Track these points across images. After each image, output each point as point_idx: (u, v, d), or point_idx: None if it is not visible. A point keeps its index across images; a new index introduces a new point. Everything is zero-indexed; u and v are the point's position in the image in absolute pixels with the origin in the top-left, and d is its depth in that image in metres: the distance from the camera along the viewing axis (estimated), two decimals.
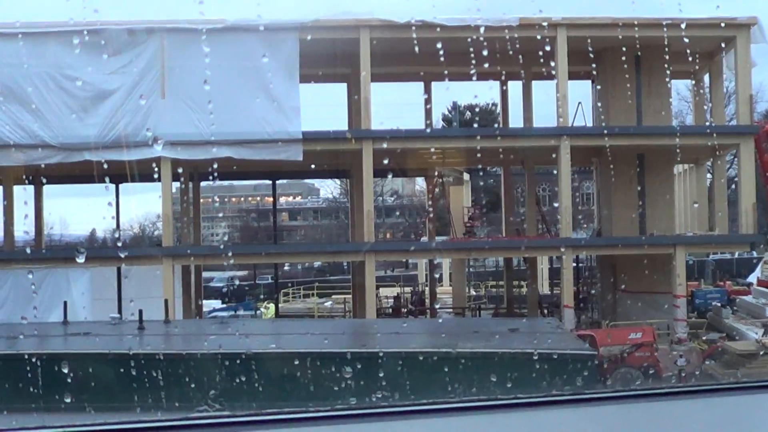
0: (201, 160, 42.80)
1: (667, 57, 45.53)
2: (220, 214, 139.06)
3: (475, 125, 78.10)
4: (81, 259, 40.45)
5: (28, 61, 40.09)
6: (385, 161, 44.45)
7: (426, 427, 3.15)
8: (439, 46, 40.34)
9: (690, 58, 44.26)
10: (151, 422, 2.93)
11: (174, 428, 2.93)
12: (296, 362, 21.06)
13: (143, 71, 42.14)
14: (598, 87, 50.91)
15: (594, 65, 48.55)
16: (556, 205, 49.51)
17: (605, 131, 46.31)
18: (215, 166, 46.34)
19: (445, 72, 48.11)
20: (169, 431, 2.93)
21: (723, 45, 46.53)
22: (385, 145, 42.68)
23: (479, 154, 48.66)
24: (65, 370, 18.86)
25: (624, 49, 43.01)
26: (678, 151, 47.38)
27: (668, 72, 47.98)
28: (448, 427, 3.16)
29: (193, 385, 19.79)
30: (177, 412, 19.08)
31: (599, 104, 50.66)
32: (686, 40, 40.37)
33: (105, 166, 38.05)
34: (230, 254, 54.26)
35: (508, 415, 3.24)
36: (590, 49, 44.81)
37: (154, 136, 41.12)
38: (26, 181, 50.23)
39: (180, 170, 45.24)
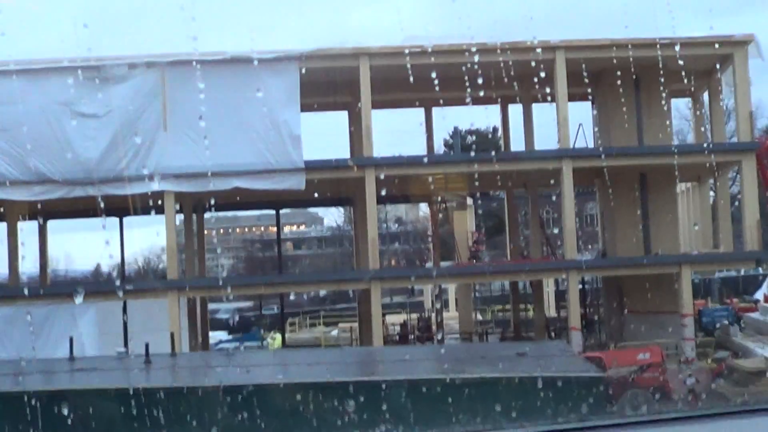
0: (204, 192, 42.85)
1: (665, 76, 45.65)
2: (228, 244, 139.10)
3: (477, 150, 78.25)
4: (79, 300, 40.45)
5: (28, 97, 40.18)
6: (387, 188, 44.51)
7: None
8: (438, 71, 40.50)
9: (688, 77, 44.35)
10: None
11: None
12: (304, 393, 20.99)
13: (144, 105, 42.23)
14: (598, 108, 50.98)
15: (593, 87, 48.72)
16: (558, 229, 49.53)
17: (606, 152, 46.38)
18: (217, 197, 46.42)
19: (445, 97, 48.33)
20: None
21: (718, 66, 46.70)
22: (386, 173, 42.77)
23: (482, 179, 48.69)
24: (71, 407, 18.82)
25: (622, 69, 43.16)
26: (680, 169, 47.43)
27: (667, 91, 48.05)
28: None
29: (200, 419, 19.72)
30: None
31: (600, 125, 50.74)
32: (684, 59, 40.44)
33: (106, 200, 38.17)
34: (235, 286, 54.26)
35: None
36: (589, 70, 44.92)
37: (150, 174, 41.22)
38: (29, 218, 50.26)
39: (184, 202, 45.29)
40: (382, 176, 42.96)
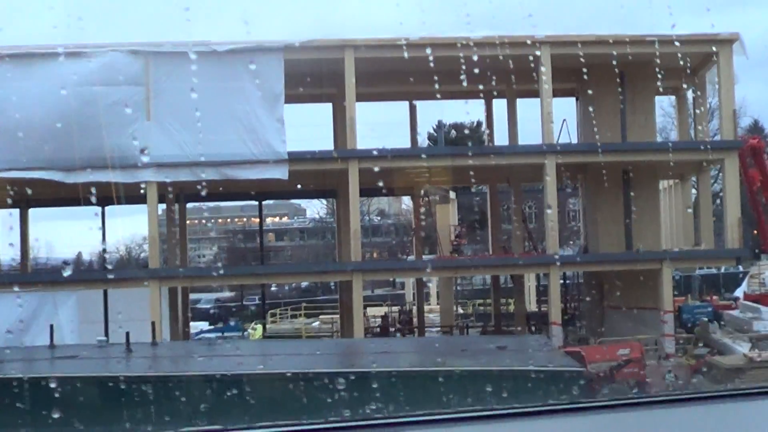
0: (187, 182, 42.77)
1: (650, 73, 45.79)
2: (210, 234, 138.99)
3: (460, 144, 78.29)
4: (68, 272, 40.35)
5: (11, 84, 40.03)
6: (371, 181, 44.54)
7: None
8: (423, 65, 40.51)
9: (673, 74, 44.47)
10: None
11: None
12: (284, 383, 21.01)
13: (128, 93, 42.09)
14: (583, 104, 51.03)
15: (578, 82, 48.80)
16: (539, 224, 49.62)
17: (590, 148, 46.48)
18: (202, 186, 46.35)
19: (430, 91, 48.33)
20: None
21: (699, 64, 46.77)
22: (371, 165, 42.77)
23: (465, 173, 48.72)
24: (52, 394, 18.79)
25: (607, 66, 43.20)
26: (663, 167, 47.59)
27: (652, 88, 48.23)
28: None
29: (180, 407, 19.72)
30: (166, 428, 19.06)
31: (584, 121, 50.81)
32: (668, 57, 40.58)
33: (88, 189, 38.05)
34: (217, 275, 54.22)
35: (504, 424, 3.24)
36: (574, 66, 45.01)
37: (141, 147, 41.11)
38: (11, 204, 50.09)
39: (169, 190, 45.22)
40: (369, 166, 42.96)
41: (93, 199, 44.18)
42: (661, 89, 50.50)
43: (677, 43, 42.40)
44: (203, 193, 53.14)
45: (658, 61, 41.20)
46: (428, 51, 40.61)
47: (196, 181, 41.83)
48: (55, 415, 16.96)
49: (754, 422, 3.47)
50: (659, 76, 44.59)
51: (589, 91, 47.13)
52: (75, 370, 23.42)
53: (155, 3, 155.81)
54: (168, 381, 21.27)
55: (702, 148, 46.85)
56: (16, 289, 43.03)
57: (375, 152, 43.35)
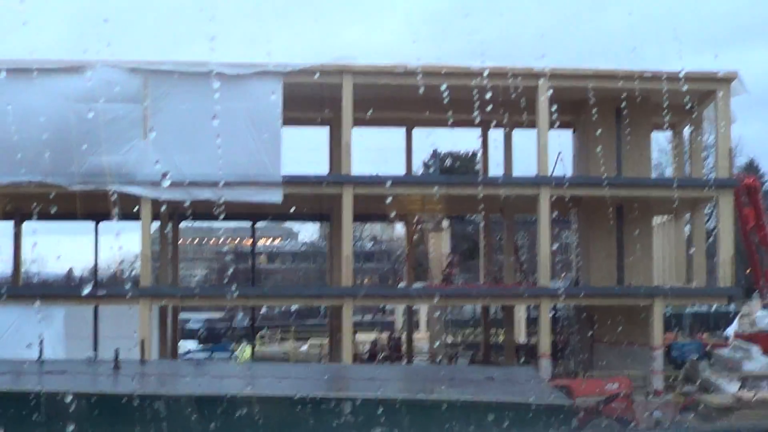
0: (180, 201, 42.72)
1: (647, 109, 45.94)
2: (202, 254, 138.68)
3: (455, 172, 78.37)
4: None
5: (8, 97, 39.92)
6: (365, 206, 44.55)
7: None
8: (420, 93, 40.60)
9: (671, 111, 44.56)
10: None
11: None
12: (269, 406, 20.93)
13: (126, 110, 42.08)
14: (579, 137, 51.14)
15: (575, 115, 48.92)
16: (531, 256, 49.54)
17: (584, 181, 46.58)
18: (194, 206, 46.32)
19: (426, 119, 48.46)
20: None
21: (695, 102, 46.88)
22: (365, 191, 42.79)
23: (459, 202, 48.75)
24: (36, 409, 18.72)
25: (605, 100, 43.38)
26: (657, 202, 47.66)
27: (649, 123, 48.35)
28: None
29: (166, 426, 19.64)
30: None
31: (579, 154, 50.89)
32: (666, 93, 40.69)
33: (83, 205, 38.02)
34: (207, 296, 54.15)
35: None
36: (571, 99, 45.17)
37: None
38: (4, 218, 50.05)
39: (159, 210, 45.17)
40: (363, 191, 42.95)
41: (86, 215, 44.17)
42: (659, 124, 50.64)
43: (677, 79, 42.56)
44: (197, 212, 53.18)
45: (655, 97, 41.34)
46: (426, 79, 40.74)
47: (189, 200, 41.78)
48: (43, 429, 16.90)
49: None
50: (657, 111, 44.82)
51: (586, 125, 47.27)
52: (64, 385, 23.32)
53: (156, 23, 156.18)
54: (156, 399, 21.18)
55: (697, 185, 47.02)
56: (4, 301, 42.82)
57: (370, 179, 43.40)
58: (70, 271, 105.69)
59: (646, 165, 50.17)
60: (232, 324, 79.02)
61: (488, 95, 36.10)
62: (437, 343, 57.44)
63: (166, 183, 41.43)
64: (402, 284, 59.26)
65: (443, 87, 37.71)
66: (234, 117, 41.71)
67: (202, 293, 58.35)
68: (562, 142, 55.11)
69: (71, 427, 16.94)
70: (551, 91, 43.73)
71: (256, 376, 28.04)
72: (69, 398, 19.59)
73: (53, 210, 44.84)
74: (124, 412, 19.96)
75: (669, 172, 67.89)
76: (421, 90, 40.65)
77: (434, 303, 52.83)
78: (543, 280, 44.97)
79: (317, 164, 76.90)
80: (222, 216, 57.27)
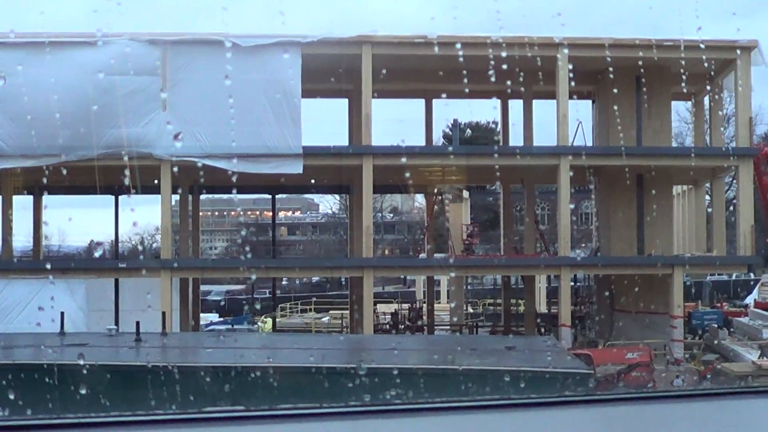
0: (200, 172, 42.77)
1: (667, 78, 45.73)
2: (223, 226, 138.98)
3: (476, 143, 78.28)
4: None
5: (29, 70, 40.00)
6: (385, 178, 44.54)
7: (440, 424, 3.19)
8: (440, 63, 40.54)
9: (691, 80, 44.38)
10: (166, 415, 3.00)
11: (187, 421, 3.01)
12: (294, 376, 21.08)
13: (145, 83, 42.12)
14: (599, 107, 50.99)
15: (595, 85, 48.74)
16: (551, 225, 49.51)
17: (604, 151, 46.47)
18: (214, 179, 46.41)
19: (446, 89, 48.30)
20: (183, 424, 3.00)
21: (715, 71, 46.65)
22: (385, 162, 42.78)
23: (479, 172, 48.68)
24: (65, 379, 18.90)
25: (625, 69, 43.18)
26: (677, 172, 47.53)
27: (668, 93, 48.14)
28: (461, 424, 3.19)
29: (191, 398, 19.80)
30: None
31: (599, 124, 50.77)
32: (686, 62, 40.51)
33: (102, 177, 38.14)
34: (228, 268, 54.33)
35: (517, 414, 3.28)
36: (591, 69, 44.98)
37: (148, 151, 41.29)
38: (25, 191, 50.26)
39: (180, 183, 45.29)
40: (383, 162, 42.92)
41: (106, 188, 44.32)
42: (679, 93, 50.44)
43: (697, 48, 42.34)
44: (216, 185, 53.29)
45: (675, 66, 41.15)
46: (445, 50, 40.65)
47: (209, 171, 41.89)
48: (64, 402, 17.07)
49: (762, 419, 3.50)
50: (676, 81, 44.62)
51: (606, 95, 47.10)
52: (86, 357, 23.52)
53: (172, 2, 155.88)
54: (177, 371, 21.34)
55: (717, 155, 46.87)
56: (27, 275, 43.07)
57: (390, 149, 43.38)
58: (91, 243, 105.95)
59: (667, 134, 50.02)
60: (253, 296, 79.16)
61: (508, 65, 35.94)
62: (458, 314, 57.54)
63: (178, 144, 41.50)
64: (422, 255, 59.26)
65: (462, 58, 37.66)
66: (253, 89, 41.69)
67: (222, 265, 58.58)
68: (581, 113, 55.00)
69: (101, 400, 17.10)
70: (570, 61, 43.56)
71: (280, 347, 28.24)
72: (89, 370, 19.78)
73: (73, 183, 45.31)
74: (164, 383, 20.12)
75: (689, 141, 67.63)
76: (441, 61, 40.61)
77: (454, 273, 52.92)
78: (563, 250, 44.96)
79: (337, 136, 76.85)
80: (242, 188, 57.51)
